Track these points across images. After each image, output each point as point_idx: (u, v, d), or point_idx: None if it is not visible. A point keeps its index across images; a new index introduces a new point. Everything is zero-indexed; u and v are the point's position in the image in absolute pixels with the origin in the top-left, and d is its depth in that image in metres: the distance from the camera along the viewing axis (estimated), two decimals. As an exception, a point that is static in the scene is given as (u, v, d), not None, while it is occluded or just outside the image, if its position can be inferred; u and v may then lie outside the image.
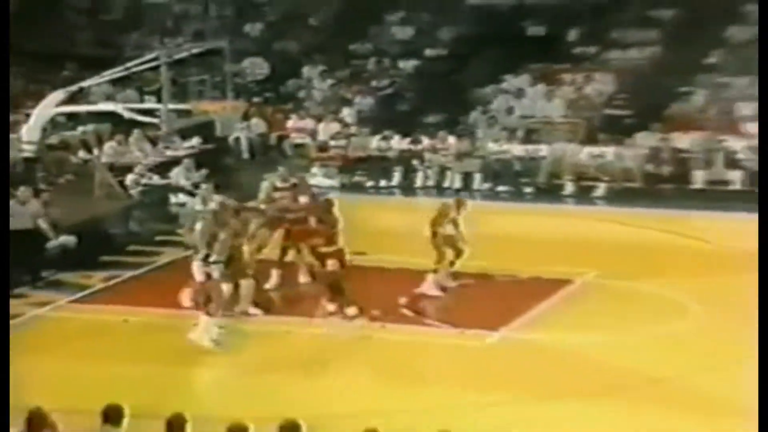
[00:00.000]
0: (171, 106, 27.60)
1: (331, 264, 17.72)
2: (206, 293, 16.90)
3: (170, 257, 21.63)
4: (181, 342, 16.47)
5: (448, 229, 18.88)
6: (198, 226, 17.65)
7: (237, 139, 29.67)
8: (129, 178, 25.16)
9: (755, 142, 26.99)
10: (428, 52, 32.76)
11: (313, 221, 18.52)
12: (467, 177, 27.39)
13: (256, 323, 17.62)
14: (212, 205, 19.96)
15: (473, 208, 19.87)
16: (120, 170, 25.40)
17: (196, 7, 35.71)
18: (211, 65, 29.52)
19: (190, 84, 28.69)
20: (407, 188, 27.34)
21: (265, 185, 20.21)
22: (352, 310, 17.45)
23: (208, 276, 17.08)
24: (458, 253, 18.83)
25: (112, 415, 11.11)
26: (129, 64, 27.26)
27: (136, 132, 27.45)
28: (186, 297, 17.57)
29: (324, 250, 17.92)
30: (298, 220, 19.12)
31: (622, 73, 30.58)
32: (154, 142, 28.08)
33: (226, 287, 17.26)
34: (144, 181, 25.60)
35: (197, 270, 17.10)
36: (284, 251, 19.52)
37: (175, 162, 27.06)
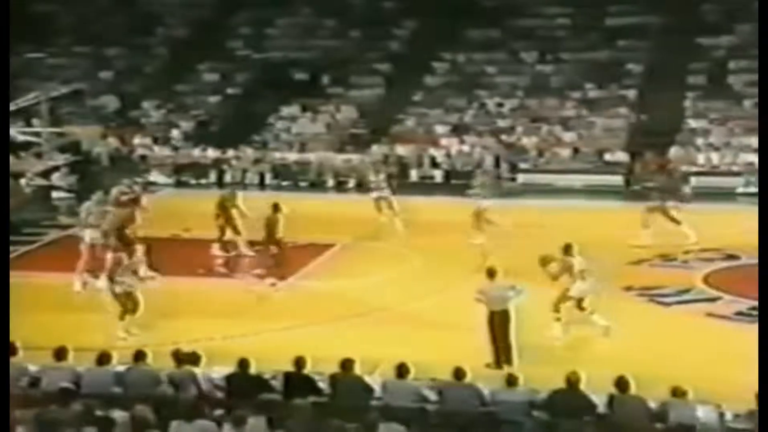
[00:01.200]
0: (49, 129, 26.54)
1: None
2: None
3: (53, 236, 20.81)
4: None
5: (234, 213, 18.66)
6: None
7: (98, 153, 28.56)
8: (22, 181, 24.02)
9: (448, 150, 27.78)
10: (229, 90, 32.31)
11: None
12: (261, 176, 27.11)
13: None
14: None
15: (267, 198, 19.76)
16: (15, 176, 24.14)
17: (64, 60, 34.11)
18: (77, 101, 28.53)
19: (63, 114, 27.64)
20: (220, 184, 26.87)
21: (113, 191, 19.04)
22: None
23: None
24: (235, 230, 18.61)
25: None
26: (18, 101, 26.07)
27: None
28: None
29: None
30: None
31: (361, 105, 30.88)
32: (39, 155, 26.82)
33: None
34: (33, 183, 24.52)
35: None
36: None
37: (55, 169, 25.97)
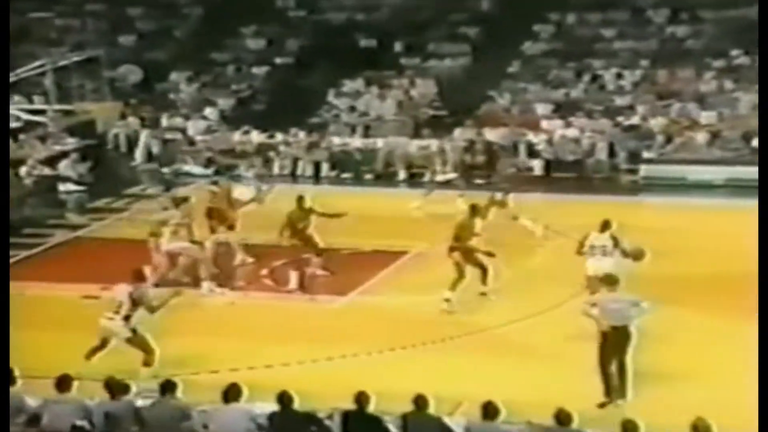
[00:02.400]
0: (56, 107, 27.08)
1: None
2: None
3: (60, 238, 21.20)
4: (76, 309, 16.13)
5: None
6: None
7: (116, 135, 29.09)
8: (22, 170, 24.54)
9: (550, 135, 27.69)
10: (278, 60, 32.64)
11: None
12: (317, 166, 27.34)
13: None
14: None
15: (321, 192, 19.92)
16: (14, 164, 24.70)
17: (75, 21, 34.88)
18: (91, 71, 29.06)
19: (73, 88, 28.17)
20: (265, 176, 27.16)
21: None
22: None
23: None
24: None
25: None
26: (19, 71, 26.59)
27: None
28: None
29: None
30: None
31: (440, 79, 30.93)
32: (43, 139, 27.40)
33: None
34: (36, 172, 25.03)
35: None
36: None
37: (63, 155, 26.51)
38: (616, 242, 15.87)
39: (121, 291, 13.96)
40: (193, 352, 14.66)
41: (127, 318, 13.81)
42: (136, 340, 13.82)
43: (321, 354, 14.57)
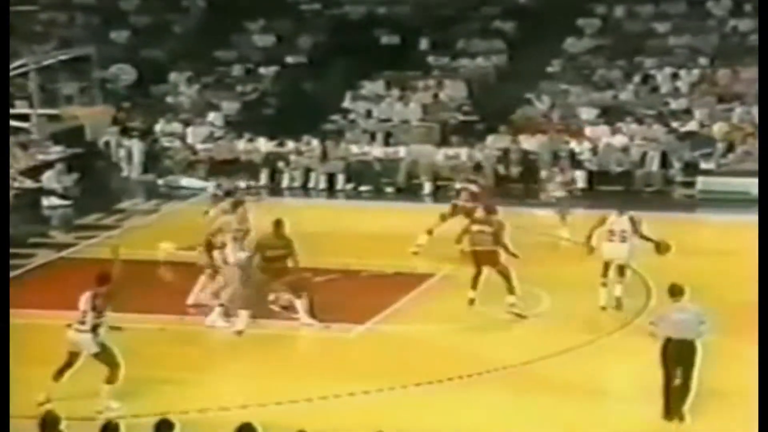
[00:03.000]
0: (40, 111, 27.10)
1: None
2: None
3: (43, 259, 21.23)
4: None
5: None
6: None
7: (107, 143, 29.18)
8: (1, 182, 24.59)
9: (594, 143, 27.63)
10: (289, 59, 32.73)
11: None
12: (331, 178, 27.37)
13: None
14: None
15: (338, 207, 19.93)
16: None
17: (62, 15, 35.07)
18: (80, 71, 29.10)
19: (59, 90, 28.21)
20: (274, 189, 27.20)
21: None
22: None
23: None
24: None
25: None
26: (-4, 71, 26.62)
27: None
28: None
29: None
30: None
31: (472, 80, 30.94)
32: (25, 147, 27.49)
33: None
34: (16, 185, 25.09)
35: None
36: None
37: (47, 166, 26.59)
38: (635, 226, 17.31)
39: (84, 299, 14.18)
40: (196, 386, 14.67)
41: (94, 329, 14.04)
42: (103, 355, 14.03)
43: (336, 389, 14.52)
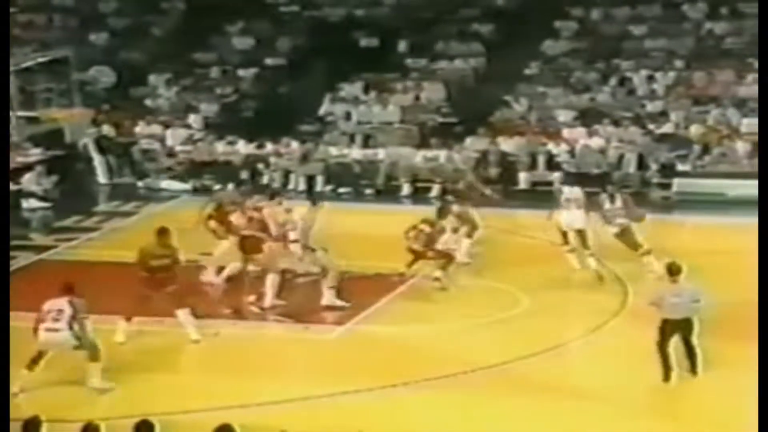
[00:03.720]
0: (19, 113, 27.04)
1: None
2: None
3: (24, 261, 21.14)
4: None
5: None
6: None
7: (85, 145, 29.13)
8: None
9: (572, 145, 27.73)
10: (268, 60, 32.75)
11: None
12: (311, 179, 27.41)
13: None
14: None
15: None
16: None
17: (41, 17, 35.01)
18: (58, 73, 29.02)
19: (38, 92, 28.14)
20: (253, 190, 27.14)
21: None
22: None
23: None
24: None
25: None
26: (-24, 73, 26.52)
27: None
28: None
29: None
30: None
31: (450, 82, 31.01)
32: (4, 148, 27.43)
33: None
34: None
35: None
36: None
37: (27, 168, 26.54)
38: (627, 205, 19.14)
39: (58, 301, 14.59)
40: (176, 388, 14.72)
41: (71, 325, 14.45)
42: (83, 343, 14.53)
43: (317, 390, 14.55)
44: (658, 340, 14.55)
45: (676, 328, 14.54)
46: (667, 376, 14.57)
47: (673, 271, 14.75)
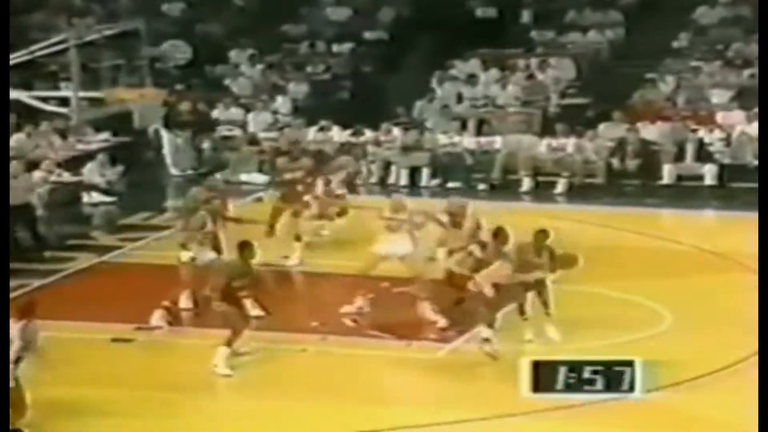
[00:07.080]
0: (82, 94, 27.39)
1: None
2: None
3: (84, 263, 21.49)
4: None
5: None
6: None
7: (156, 131, 29.45)
8: (36, 175, 24.88)
9: (727, 132, 27.37)
10: (367, 34, 32.83)
11: None
12: (414, 172, 27.54)
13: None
14: None
15: (422, 206, 19.97)
16: (26, 166, 25.08)
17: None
18: (127, 49, 29.35)
19: (103, 70, 28.48)
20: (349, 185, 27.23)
21: None
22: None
23: None
24: None
25: None
26: (33, 48, 27.00)
27: (44, 124, 27.21)
28: None
29: None
30: None
31: (581, 58, 30.83)
32: (63, 134, 27.84)
33: None
34: (53, 178, 25.38)
35: None
36: None
37: (88, 157, 26.89)
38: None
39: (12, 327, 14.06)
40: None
41: (17, 361, 13.92)
42: (14, 392, 13.79)
43: (422, 419, 14.58)
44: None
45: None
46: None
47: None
